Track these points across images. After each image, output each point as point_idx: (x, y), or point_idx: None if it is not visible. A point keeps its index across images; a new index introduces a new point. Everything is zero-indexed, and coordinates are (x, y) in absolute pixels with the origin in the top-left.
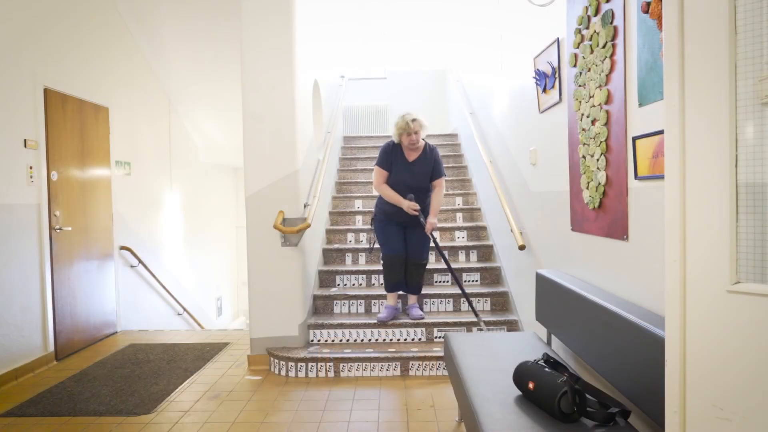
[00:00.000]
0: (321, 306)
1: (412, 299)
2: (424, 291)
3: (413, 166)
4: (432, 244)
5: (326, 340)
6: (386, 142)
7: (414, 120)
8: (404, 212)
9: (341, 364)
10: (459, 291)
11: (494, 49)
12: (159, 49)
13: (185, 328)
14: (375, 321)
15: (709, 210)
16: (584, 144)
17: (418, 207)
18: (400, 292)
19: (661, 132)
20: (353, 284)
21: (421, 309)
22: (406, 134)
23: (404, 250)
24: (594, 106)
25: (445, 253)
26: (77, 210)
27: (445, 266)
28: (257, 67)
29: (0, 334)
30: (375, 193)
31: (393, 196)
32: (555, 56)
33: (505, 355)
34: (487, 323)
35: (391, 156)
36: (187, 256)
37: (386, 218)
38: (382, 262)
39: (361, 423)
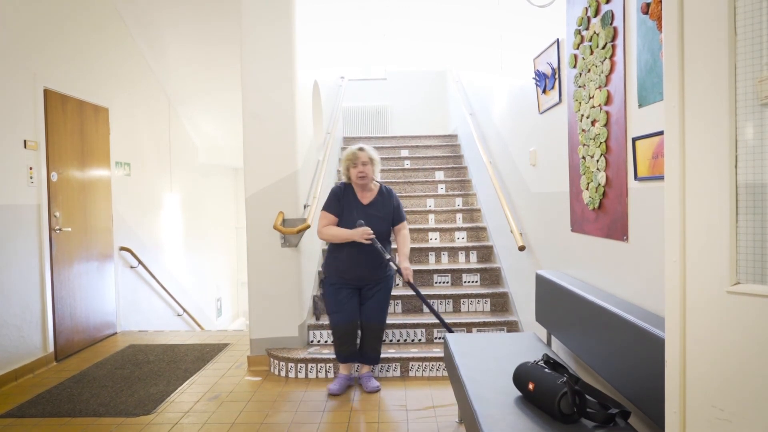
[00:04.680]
0: (321, 307)
1: (366, 368)
2: (425, 292)
3: (368, 209)
4: (412, 292)
5: (326, 341)
6: (336, 184)
7: (361, 149)
8: (363, 270)
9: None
10: (458, 292)
11: (494, 49)
12: (159, 50)
13: (185, 328)
14: None
15: (709, 210)
16: (584, 145)
17: (371, 232)
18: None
19: (660, 133)
20: None
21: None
22: (353, 165)
23: (359, 317)
24: (594, 107)
25: (430, 302)
26: (77, 211)
27: (445, 267)
28: (257, 68)
29: (0, 335)
30: None
31: (342, 234)
32: (555, 57)
33: (505, 356)
34: (487, 324)
35: (342, 200)
36: (187, 257)
37: (340, 280)
38: (331, 331)
39: (361, 424)
